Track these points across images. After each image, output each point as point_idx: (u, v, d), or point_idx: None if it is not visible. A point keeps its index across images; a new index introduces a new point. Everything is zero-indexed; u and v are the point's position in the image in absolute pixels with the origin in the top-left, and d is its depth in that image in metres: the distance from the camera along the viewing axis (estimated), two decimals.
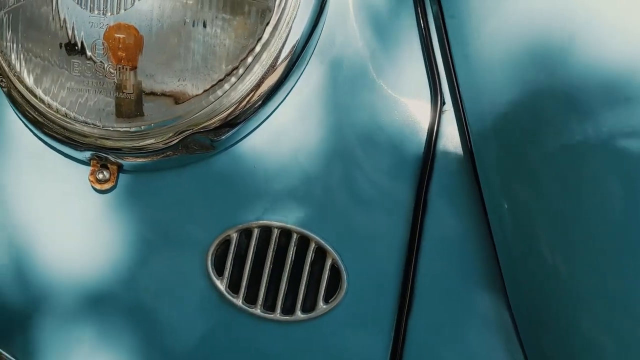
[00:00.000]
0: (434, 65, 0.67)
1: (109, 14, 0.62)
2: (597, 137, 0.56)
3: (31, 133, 0.70)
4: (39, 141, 0.70)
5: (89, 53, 0.63)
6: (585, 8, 0.58)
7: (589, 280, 0.59)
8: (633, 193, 0.55)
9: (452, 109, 0.66)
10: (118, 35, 0.63)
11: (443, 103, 0.66)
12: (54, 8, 0.64)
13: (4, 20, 0.65)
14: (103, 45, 0.63)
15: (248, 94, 0.64)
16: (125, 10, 0.62)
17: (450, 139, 0.66)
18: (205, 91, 0.63)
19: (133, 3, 0.62)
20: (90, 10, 0.63)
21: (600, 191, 0.57)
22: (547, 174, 0.60)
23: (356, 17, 0.68)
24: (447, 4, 0.66)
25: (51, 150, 0.70)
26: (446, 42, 0.66)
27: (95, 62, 0.63)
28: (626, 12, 0.57)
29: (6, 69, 0.66)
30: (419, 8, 0.68)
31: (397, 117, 0.67)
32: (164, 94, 0.63)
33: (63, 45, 0.64)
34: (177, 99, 0.63)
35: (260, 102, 0.65)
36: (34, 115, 0.67)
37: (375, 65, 0.67)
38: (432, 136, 0.66)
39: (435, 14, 0.67)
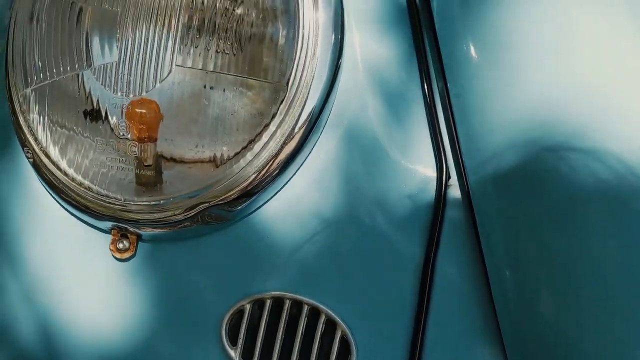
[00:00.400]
0: (440, 141, 0.68)
1: (132, 95, 0.65)
2: (600, 210, 0.59)
3: (54, 201, 0.72)
4: (62, 209, 0.72)
5: (111, 130, 0.66)
6: (589, 92, 0.60)
7: (589, 337, 0.60)
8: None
9: (457, 183, 0.68)
10: (139, 110, 0.65)
11: (448, 177, 0.68)
12: (79, 87, 0.66)
13: (31, 97, 0.69)
14: (125, 124, 0.65)
15: (265, 166, 0.66)
16: (147, 92, 0.65)
17: (457, 210, 0.68)
18: (222, 164, 0.65)
19: (154, 85, 0.65)
20: (113, 92, 0.65)
21: (602, 258, 0.59)
22: (546, 249, 0.62)
23: (367, 90, 0.69)
24: (452, 82, 0.67)
25: (73, 218, 0.72)
26: (451, 120, 0.67)
27: (119, 139, 0.66)
28: (633, 100, 0.59)
29: (32, 142, 0.69)
30: (425, 84, 0.70)
31: (406, 187, 0.68)
32: (182, 164, 0.65)
33: (87, 121, 0.66)
34: (195, 172, 0.65)
35: (277, 172, 0.67)
36: (58, 186, 0.69)
37: (386, 137, 0.69)
38: (439, 210, 0.67)
39: (441, 91, 0.69)
